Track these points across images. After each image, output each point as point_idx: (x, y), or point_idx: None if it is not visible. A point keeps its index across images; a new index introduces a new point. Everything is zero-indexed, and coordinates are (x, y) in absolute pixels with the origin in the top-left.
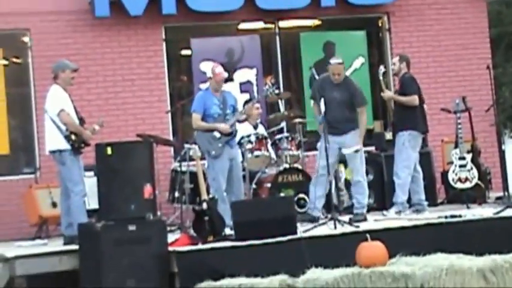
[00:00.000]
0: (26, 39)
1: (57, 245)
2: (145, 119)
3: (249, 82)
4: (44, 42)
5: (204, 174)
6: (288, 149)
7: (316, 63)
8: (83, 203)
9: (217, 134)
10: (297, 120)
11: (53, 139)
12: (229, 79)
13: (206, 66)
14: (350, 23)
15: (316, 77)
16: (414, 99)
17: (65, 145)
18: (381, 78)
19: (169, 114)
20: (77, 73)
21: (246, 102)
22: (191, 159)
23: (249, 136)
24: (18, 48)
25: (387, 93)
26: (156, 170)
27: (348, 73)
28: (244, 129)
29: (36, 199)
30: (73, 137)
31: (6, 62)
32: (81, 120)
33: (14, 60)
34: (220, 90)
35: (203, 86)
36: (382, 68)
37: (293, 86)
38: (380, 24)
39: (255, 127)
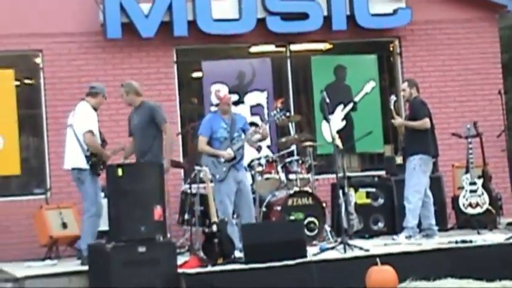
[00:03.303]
0: (38, 60)
1: (67, 265)
2: None
3: (259, 105)
4: (56, 64)
5: (214, 196)
6: (298, 172)
7: (327, 87)
8: (92, 224)
9: (222, 158)
10: (308, 143)
11: (74, 157)
12: (240, 102)
13: (212, 95)
14: (361, 46)
15: (327, 100)
16: (425, 123)
17: (85, 164)
18: (392, 108)
19: (180, 136)
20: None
21: (251, 125)
22: (201, 181)
23: (259, 159)
24: (31, 69)
25: (398, 120)
26: (166, 192)
27: (358, 97)
28: (254, 152)
29: (46, 219)
30: (93, 158)
31: (18, 83)
32: (103, 142)
33: (26, 81)
34: (229, 112)
35: (214, 108)
36: (393, 97)
37: (304, 109)
38: (391, 49)
39: (258, 150)
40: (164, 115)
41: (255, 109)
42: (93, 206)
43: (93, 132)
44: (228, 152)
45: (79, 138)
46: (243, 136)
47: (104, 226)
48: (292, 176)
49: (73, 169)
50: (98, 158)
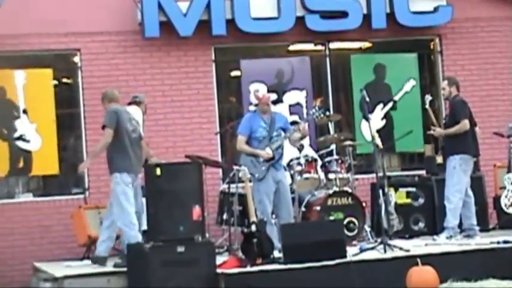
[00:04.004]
0: (76, 59)
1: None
2: (194, 140)
3: (298, 104)
4: (94, 63)
5: (253, 196)
6: (337, 172)
7: (366, 85)
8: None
9: (260, 158)
10: (347, 142)
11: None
12: (279, 101)
13: (251, 95)
14: (401, 45)
15: (367, 99)
16: (464, 125)
17: None
18: (428, 107)
19: (218, 135)
20: (126, 94)
21: (292, 124)
22: (240, 180)
23: (298, 158)
24: (69, 68)
25: (437, 131)
26: (205, 191)
27: (398, 96)
28: (293, 152)
29: (85, 219)
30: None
31: (56, 83)
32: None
33: (65, 80)
34: (269, 111)
35: (253, 107)
36: (428, 97)
37: (343, 108)
38: (432, 47)
39: (300, 149)
40: (110, 119)
41: (294, 108)
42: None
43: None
44: (267, 152)
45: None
46: (282, 135)
47: (142, 225)
48: (331, 176)
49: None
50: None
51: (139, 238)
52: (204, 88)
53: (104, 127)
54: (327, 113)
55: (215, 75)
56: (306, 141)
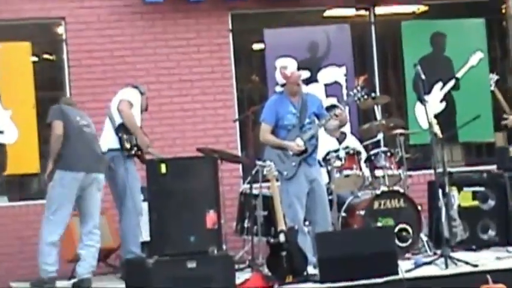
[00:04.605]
0: (60, 30)
1: (100, 284)
2: (207, 129)
3: (336, 83)
4: (82, 34)
5: (281, 198)
6: (386, 168)
7: (422, 60)
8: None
9: (290, 151)
10: (398, 131)
11: (104, 140)
12: (312, 80)
13: (277, 73)
14: (465, 8)
15: (423, 76)
16: None
17: (116, 143)
18: (494, 88)
19: (237, 123)
20: (122, 72)
21: (328, 109)
22: (265, 179)
23: (337, 151)
24: (51, 41)
25: (510, 119)
26: (222, 193)
27: (462, 72)
28: (331, 143)
29: (73, 229)
30: (125, 135)
31: (36, 59)
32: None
33: (46, 56)
34: (300, 92)
35: (280, 88)
36: (493, 77)
37: (392, 89)
38: (503, 11)
39: (340, 141)
40: (53, 113)
41: (331, 88)
42: (129, 200)
43: (131, 103)
44: (298, 143)
45: (114, 117)
46: (316, 122)
47: (144, 236)
48: (378, 173)
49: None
50: (131, 138)
51: (53, 267)
52: (219, 64)
53: (49, 124)
54: (372, 94)
55: (233, 48)
56: (346, 130)
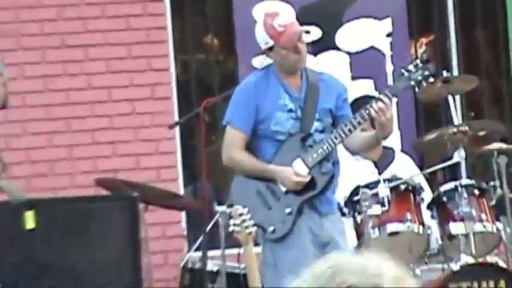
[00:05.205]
0: None
1: None
2: (118, 143)
3: (373, 51)
4: None
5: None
6: (471, 218)
7: None
8: None
9: (282, 185)
10: (495, 146)
11: None
12: (328, 46)
13: (258, 28)
14: None
15: None
16: None
17: None
18: None
19: (177, 130)
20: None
21: (357, 105)
22: (232, 243)
23: (373, 186)
24: None
25: None
26: (147, 266)
27: None
28: (362, 170)
29: None
30: None
31: None
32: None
33: None
34: (302, 67)
35: (264, 60)
36: None
37: (485, 64)
38: None
39: (381, 165)
40: None
41: (364, 61)
42: None
43: None
44: (297, 171)
45: None
46: (336, 130)
47: None
48: (456, 227)
49: None
50: None
51: None
52: (141, 15)
53: None
54: (444, 73)
55: None
56: (392, 144)
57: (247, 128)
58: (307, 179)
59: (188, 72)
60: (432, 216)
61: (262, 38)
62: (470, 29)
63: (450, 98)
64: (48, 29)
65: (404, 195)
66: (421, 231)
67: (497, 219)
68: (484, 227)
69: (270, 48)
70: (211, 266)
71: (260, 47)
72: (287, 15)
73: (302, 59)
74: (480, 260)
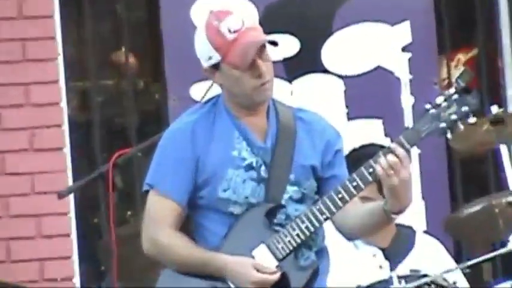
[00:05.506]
0: None
1: None
2: None
3: (381, 71)
4: None
5: None
6: None
7: None
8: None
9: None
10: None
11: None
12: (312, 69)
13: (199, 41)
14: None
15: None
16: None
17: None
18: None
19: (71, 198)
20: None
21: (356, 161)
22: None
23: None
24: None
25: None
26: None
27: None
28: (361, 261)
29: None
30: None
31: None
32: None
33: None
34: (264, 103)
35: (199, 90)
36: None
37: None
38: None
39: (388, 256)
40: None
41: (364, 93)
42: None
43: None
44: (258, 264)
45: None
46: (322, 199)
47: None
48: None
49: None
50: None
51: None
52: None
53: None
54: (494, 109)
55: None
56: (412, 220)
57: (180, 196)
58: (276, 276)
59: (88, 108)
60: None
61: (204, 51)
62: None
63: (503, 147)
64: None
65: None
66: None
67: None
68: None
69: (216, 66)
70: None
71: (201, 65)
72: (244, 16)
73: (266, 85)
74: None
